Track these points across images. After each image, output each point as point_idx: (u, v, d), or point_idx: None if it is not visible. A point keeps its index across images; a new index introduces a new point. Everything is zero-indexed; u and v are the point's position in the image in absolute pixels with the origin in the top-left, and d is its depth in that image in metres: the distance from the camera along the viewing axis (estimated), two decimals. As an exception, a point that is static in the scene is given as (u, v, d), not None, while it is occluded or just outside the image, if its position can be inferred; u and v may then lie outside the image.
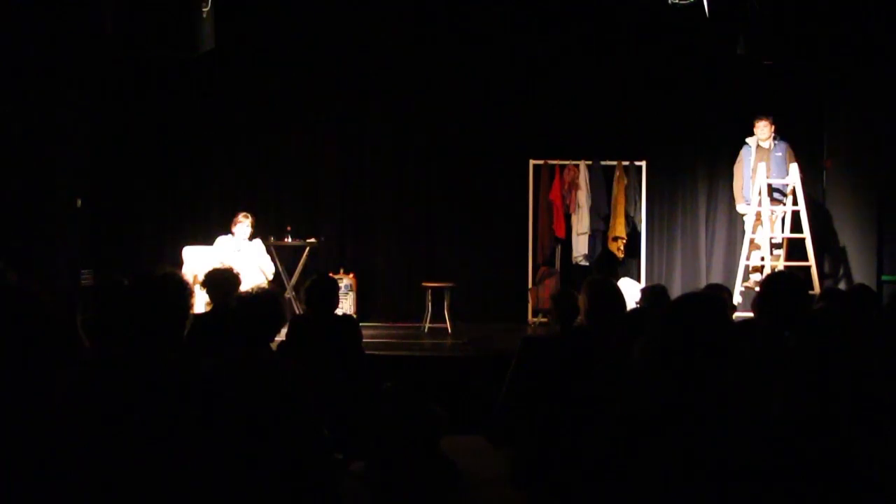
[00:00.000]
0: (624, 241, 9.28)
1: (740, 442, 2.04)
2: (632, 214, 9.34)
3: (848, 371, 2.54)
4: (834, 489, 2.08)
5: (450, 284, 8.63)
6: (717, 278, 9.06)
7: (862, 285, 4.95)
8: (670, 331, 2.18)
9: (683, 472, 2.02)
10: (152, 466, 2.28)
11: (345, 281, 9.01)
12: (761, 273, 8.06)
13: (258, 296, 3.29)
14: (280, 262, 8.77)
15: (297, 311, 8.05)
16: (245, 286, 5.22)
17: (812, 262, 8.01)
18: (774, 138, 8.33)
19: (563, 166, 9.36)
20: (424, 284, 8.69)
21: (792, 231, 8.29)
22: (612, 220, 9.28)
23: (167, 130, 9.52)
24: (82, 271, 8.43)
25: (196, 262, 7.92)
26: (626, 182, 9.32)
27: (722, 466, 2.01)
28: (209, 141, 9.68)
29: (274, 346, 3.80)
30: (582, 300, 3.82)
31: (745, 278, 8.27)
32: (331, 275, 6.48)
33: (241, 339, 3.18)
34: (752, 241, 8.24)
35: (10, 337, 2.08)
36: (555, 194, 9.29)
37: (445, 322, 8.48)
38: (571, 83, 9.49)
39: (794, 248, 8.29)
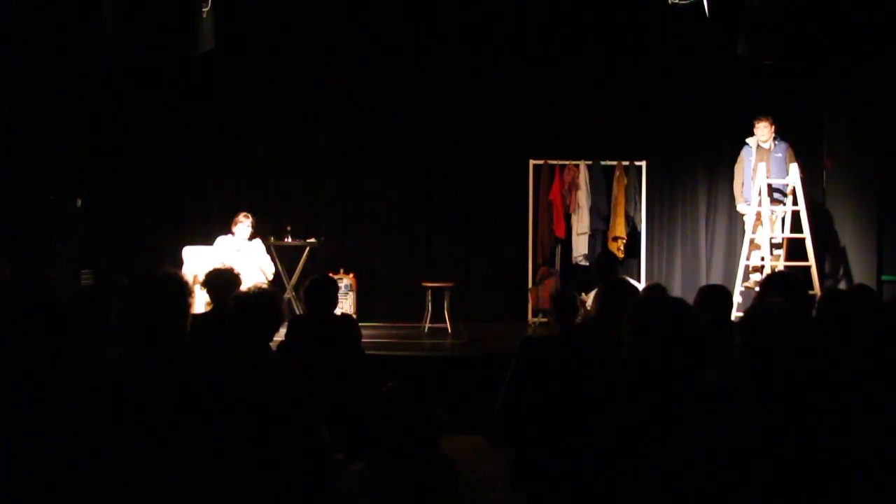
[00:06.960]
0: (624, 241, 9.28)
1: (737, 442, 2.04)
2: (632, 214, 9.34)
3: (847, 371, 2.54)
4: (831, 489, 2.08)
5: (450, 284, 8.63)
6: (717, 278, 9.06)
7: (862, 285, 4.94)
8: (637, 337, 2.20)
9: (681, 472, 2.02)
10: (150, 466, 2.28)
11: (345, 281, 9.01)
12: (761, 273, 8.04)
13: (256, 295, 3.27)
14: (280, 262, 8.78)
15: (297, 311, 8.05)
16: (245, 286, 5.22)
17: (812, 262, 8.00)
18: (774, 139, 8.32)
19: (563, 166, 9.36)
20: (424, 284, 8.69)
21: (792, 231, 8.28)
22: (612, 220, 9.28)
23: (167, 130, 9.51)
24: (82, 271, 8.44)
25: (196, 262, 7.92)
26: (626, 182, 9.32)
27: (720, 466, 2.01)
28: (209, 141, 9.68)
29: (274, 346, 3.80)
30: (595, 299, 3.81)
31: (745, 278, 8.26)
32: (331, 275, 6.49)
33: (239, 338, 3.17)
34: (752, 241, 8.24)
35: (17, 326, 2.08)
36: (555, 194, 9.29)
37: (445, 322, 8.48)
38: (571, 83, 9.48)
39: (794, 248, 8.28)
